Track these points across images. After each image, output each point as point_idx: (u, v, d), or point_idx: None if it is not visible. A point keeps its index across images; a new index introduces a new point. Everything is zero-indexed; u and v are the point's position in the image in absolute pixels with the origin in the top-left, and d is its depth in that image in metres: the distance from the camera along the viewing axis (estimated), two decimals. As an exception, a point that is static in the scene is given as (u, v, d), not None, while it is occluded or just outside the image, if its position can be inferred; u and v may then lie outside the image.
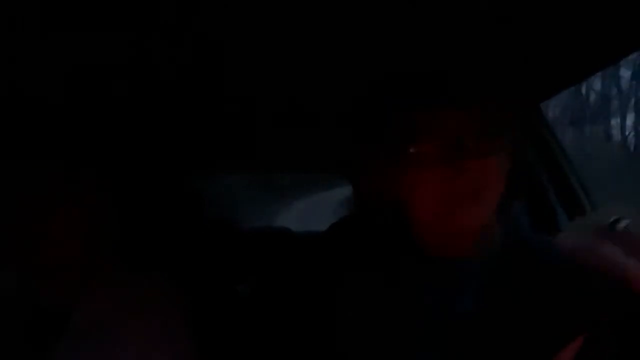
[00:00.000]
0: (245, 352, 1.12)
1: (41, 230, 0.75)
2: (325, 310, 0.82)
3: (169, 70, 0.81)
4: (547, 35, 0.72)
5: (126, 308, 0.78)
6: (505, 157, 0.67)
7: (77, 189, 0.78)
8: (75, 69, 0.77)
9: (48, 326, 0.77)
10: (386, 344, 0.70)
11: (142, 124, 1.08)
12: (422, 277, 0.72)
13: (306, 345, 0.98)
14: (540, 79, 0.94)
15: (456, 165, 0.64)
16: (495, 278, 0.70)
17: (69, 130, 0.83)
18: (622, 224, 0.56)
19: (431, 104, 0.66)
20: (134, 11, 0.60)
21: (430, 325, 0.69)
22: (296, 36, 0.69)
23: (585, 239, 0.58)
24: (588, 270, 0.56)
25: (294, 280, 1.26)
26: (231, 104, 1.01)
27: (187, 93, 0.93)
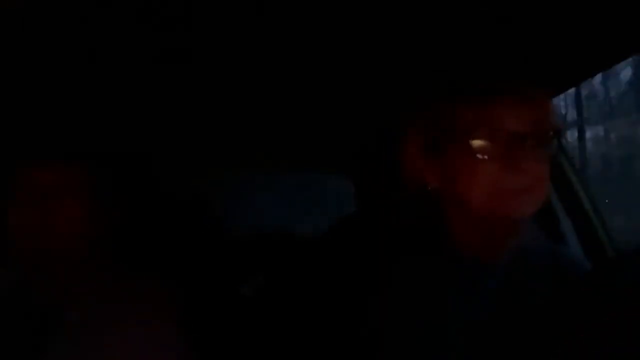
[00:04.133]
0: (245, 352, 1.11)
1: (40, 229, 0.74)
2: (333, 309, 0.82)
3: (171, 70, 0.81)
4: (549, 36, 0.72)
5: (121, 307, 0.78)
6: (550, 162, 0.68)
7: (77, 188, 0.77)
8: (76, 68, 0.77)
9: (43, 324, 0.76)
10: (401, 339, 0.70)
11: (144, 123, 1.08)
12: (447, 276, 0.72)
13: (311, 344, 0.97)
14: (543, 80, 0.94)
15: (516, 163, 0.64)
16: (514, 282, 0.70)
17: (72, 130, 0.83)
18: None
19: (500, 89, 0.66)
20: (135, 9, 0.60)
21: (446, 324, 0.69)
22: (306, 34, 0.69)
23: None
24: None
25: (299, 280, 1.26)
26: (239, 102, 1.00)
27: (188, 93, 0.93)
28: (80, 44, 0.68)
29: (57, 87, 0.84)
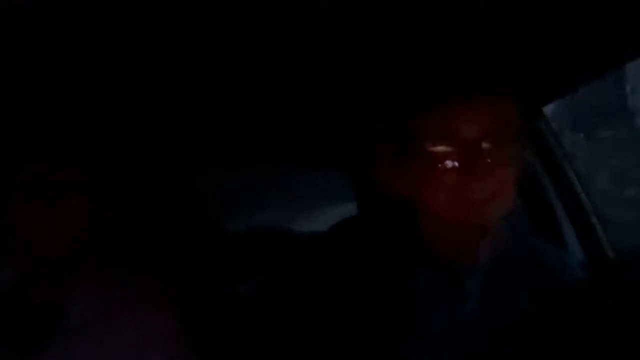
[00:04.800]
0: (244, 352, 1.11)
1: (39, 228, 0.74)
2: (329, 308, 0.82)
3: (169, 69, 0.81)
4: (550, 36, 0.72)
5: (121, 306, 0.78)
6: (518, 164, 0.68)
7: (76, 187, 0.77)
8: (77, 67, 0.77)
9: (43, 322, 0.77)
10: (388, 344, 0.70)
11: (144, 124, 1.08)
12: (427, 279, 0.72)
13: (309, 344, 0.97)
14: (543, 80, 0.94)
15: (475, 169, 0.64)
16: (497, 283, 0.70)
17: (71, 130, 0.83)
18: None
19: (451, 99, 0.66)
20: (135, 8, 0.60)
21: (431, 328, 0.69)
22: (302, 33, 0.69)
23: None
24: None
25: (298, 280, 1.26)
26: (238, 103, 1.00)
27: (188, 92, 0.93)
28: (79, 43, 0.68)
29: (56, 87, 0.84)
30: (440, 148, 0.66)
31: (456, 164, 0.65)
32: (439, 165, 0.66)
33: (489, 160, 0.64)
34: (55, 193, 0.75)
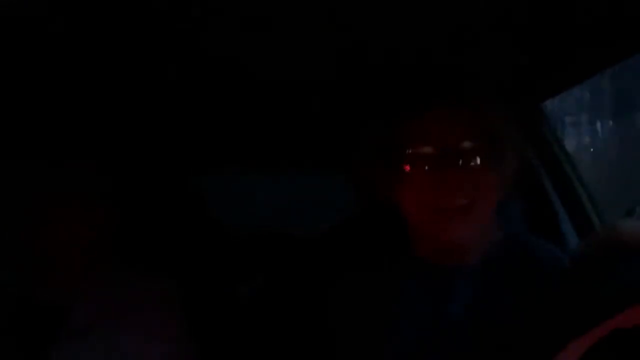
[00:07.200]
0: (244, 352, 1.11)
1: (42, 229, 0.75)
2: (326, 310, 0.82)
3: (171, 68, 0.81)
4: (548, 33, 0.72)
5: (123, 307, 0.78)
6: (504, 163, 0.67)
7: (79, 188, 0.77)
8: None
9: (46, 323, 0.77)
10: (376, 346, 0.70)
11: (145, 124, 1.08)
12: (416, 281, 0.72)
13: (308, 345, 0.98)
14: (542, 78, 0.94)
15: (449, 173, 0.63)
16: (489, 283, 0.70)
17: (71, 129, 0.83)
18: None
19: (428, 104, 0.66)
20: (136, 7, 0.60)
21: (420, 330, 0.69)
22: (297, 38, 0.69)
23: None
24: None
25: (298, 281, 1.26)
26: (234, 102, 1.01)
27: (188, 92, 0.93)
28: (79, 42, 0.68)
29: (56, 86, 0.84)
30: (414, 154, 0.65)
31: (429, 170, 0.64)
32: (413, 172, 0.65)
33: (464, 167, 0.63)
34: (59, 195, 0.75)
